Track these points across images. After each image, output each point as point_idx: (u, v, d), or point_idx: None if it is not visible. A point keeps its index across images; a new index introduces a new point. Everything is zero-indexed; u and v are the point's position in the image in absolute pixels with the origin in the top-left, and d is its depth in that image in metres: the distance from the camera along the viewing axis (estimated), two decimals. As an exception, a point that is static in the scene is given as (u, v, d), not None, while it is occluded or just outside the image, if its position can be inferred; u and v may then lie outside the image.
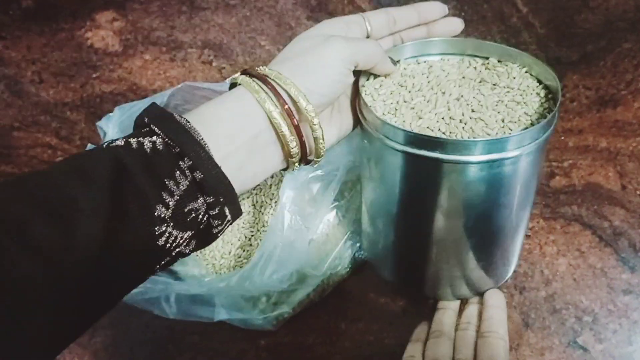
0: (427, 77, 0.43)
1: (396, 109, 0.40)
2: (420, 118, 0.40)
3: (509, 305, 0.50)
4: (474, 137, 0.38)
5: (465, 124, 0.39)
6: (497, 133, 0.38)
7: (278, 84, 0.32)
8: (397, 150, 0.37)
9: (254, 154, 0.32)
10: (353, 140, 0.47)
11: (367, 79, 0.43)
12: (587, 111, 0.55)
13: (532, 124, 0.38)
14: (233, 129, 0.31)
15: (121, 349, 0.53)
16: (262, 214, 0.51)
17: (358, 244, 0.53)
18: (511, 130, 0.38)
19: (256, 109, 0.31)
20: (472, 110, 0.39)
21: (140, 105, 0.52)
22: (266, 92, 0.32)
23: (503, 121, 0.38)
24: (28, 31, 0.74)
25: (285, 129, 0.32)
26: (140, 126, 0.29)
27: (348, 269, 0.53)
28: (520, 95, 0.40)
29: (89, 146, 0.50)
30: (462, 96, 0.40)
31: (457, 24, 0.43)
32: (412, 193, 0.41)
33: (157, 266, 0.29)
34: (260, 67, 0.34)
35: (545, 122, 0.36)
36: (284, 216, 0.43)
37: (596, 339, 0.48)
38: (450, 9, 0.62)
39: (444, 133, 0.39)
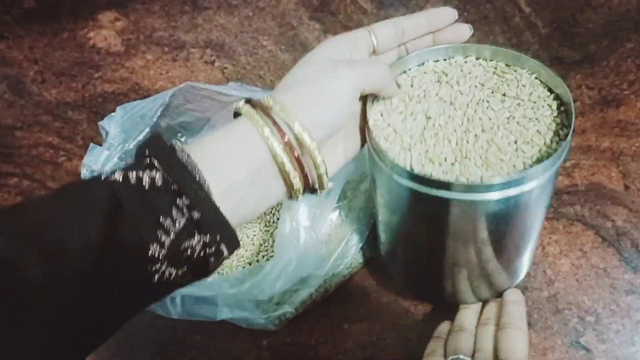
0: (437, 92, 0.42)
1: (402, 139, 0.40)
2: (427, 151, 0.39)
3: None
4: (485, 166, 0.37)
5: (476, 151, 0.38)
6: (510, 158, 0.37)
7: (282, 119, 0.31)
8: (404, 186, 0.37)
9: (255, 187, 0.31)
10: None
11: (372, 103, 0.42)
12: (589, 111, 0.55)
13: (545, 144, 0.37)
14: (234, 163, 0.30)
15: (123, 348, 0.53)
16: (265, 213, 0.51)
17: (360, 244, 0.53)
18: (524, 152, 0.37)
19: (259, 144, 0.31)
20: (483, 130, 0.39)
21: (142, 105, 0.52)
22: (270, 127, 0.31)
23: (516, 142, 0.38)
24: (30, 31, 0.74)
25: (288, 166, 0.31)
26: (141, 156, 0.29)
27: (350, 269, 0.53)
28: (532, 108, 0.40)
29: (86, 172, 0.50)
30: (473, 114, 0.40)
31: (464, 31, 0.41)
32: (421, 222, 0.41)
33: (153, 299, 0.29)
34: (265, 97, 0.33)
35: (561, 149, 0.35)
36: (300, 232, 0.44)
37: (599, 339, 0.47)
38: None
39: (453, 163, 0.38)
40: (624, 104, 0.55)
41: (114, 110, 0.53)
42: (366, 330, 0.52)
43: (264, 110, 0.31)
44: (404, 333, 0.51)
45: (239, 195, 0.30)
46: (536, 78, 0.42)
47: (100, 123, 0.52)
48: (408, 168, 0.37)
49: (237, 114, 0.33)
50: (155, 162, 0.28)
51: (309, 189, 0.34)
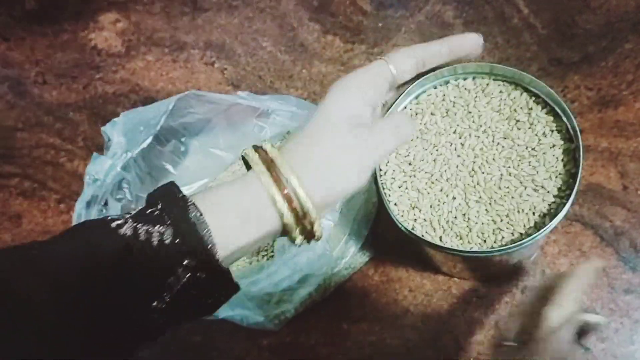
0: (446, 135, 0.43)
1: (408, 190, 0.43)
2: (437, 206, 0.42)
3: (510, 304, 0.50)
4: (494, 229, 0.41)
5: (486, 212, 0.41)
6: (520, 223, 0.40)
7: (291, 185, 0.30)
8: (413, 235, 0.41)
9: (260, 242, 0.31)
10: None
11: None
12: (588, 112, 0.55)
13: (553, 200, 0.40)
14: (244, 230, 0.30)
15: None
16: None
17: (360, 244, 0.53)
18: (532, 214, 0.41)
19: (271, 214, 0.30)
20: (496, 191, 0.41)
21: (144, 112, 0.52)
22: (280, 193, 0.30)
23: (525, 212, 0.40)
24: (31, 33, 0.74)
25: (296, 233, 0.31)
26: (152, 206, 0.28)
27: (350, 269, 0.53)
28: (537, 158, 0.41)
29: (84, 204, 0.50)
30: (483, 177, 0.42)
31: (477, 47, 0.38)
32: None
33: (152, 338, 0.30)
34: (275, 155, 0.31)
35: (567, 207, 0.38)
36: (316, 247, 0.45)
37: (598, 338, 0.48)
38: (450, 10, 0.63)
39: (464, 215, 0.41)
40: (622, 104, 0.55)
41: (114, 111, 0.53)
42: (366, 330, 0.52)
43: (273, 168, 0.30)
44: (404, 333, 0.51)
45: (243, 252, 0.30)
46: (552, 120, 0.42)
47: (102, 128, 0.52)
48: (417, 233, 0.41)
49: (245, 161, 0.32)
50: (166, 217, 0.28)
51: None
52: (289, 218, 0.30)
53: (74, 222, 0.47)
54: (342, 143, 0.32)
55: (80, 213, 0.47)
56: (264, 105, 0.51)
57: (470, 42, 0.37)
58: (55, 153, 0.68)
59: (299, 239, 0.31)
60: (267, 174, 0.30)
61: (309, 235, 0.31)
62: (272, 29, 0.68)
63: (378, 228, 0.55)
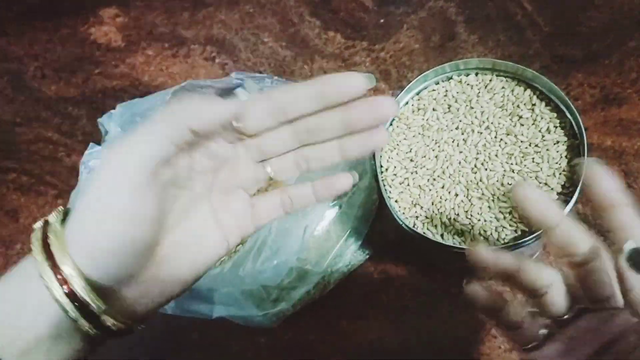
0: (448, 131, 0.43)
1: (411, 192, 0.42)
2: (438, 203, 0.41)
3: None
4: (496, 226, 0.40)
5: (489, 208, 0.41)
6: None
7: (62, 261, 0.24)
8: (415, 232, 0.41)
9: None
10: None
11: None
12: (591, 110, 0.55)
13: (557, 197, 0.40)
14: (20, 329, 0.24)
15: (121, 347, 0.52)
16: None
17: (360, 242, 0.52)
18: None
19: (44, 301, 0.24)
20: (499, 188, 0.41)
21: (142, 103, 0.52)
22: (51, 273, 0.24)
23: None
24: (31, 27, 0.74)
25: (75, 315, 0.24)
26: None
27: (349, 267, 0.52)
28: (540, 154, 0.40)
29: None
30: (485, 174, 0.41)
31: (358, 88, 0.27)
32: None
33: None
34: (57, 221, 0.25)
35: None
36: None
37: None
38: (453, 7, 0.62)
39: (466, 212, 0.41)
40: (626, 102, 0.54)
41: (114, 106, 0.53)
42: (365, 328, 0.52)
43: (46, 246, 0.24)
44: (403, 332, 0.51)
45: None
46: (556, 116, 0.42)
47: (99, 120, 0.52)
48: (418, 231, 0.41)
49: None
50: None
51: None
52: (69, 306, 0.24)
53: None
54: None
55: (74, 203, 0.47)
56: (260, 86, 0.50)
57: (346, 80, 0.27)
58: (54, 148, 0.67)
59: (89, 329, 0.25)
60: (40, 250, 0.24)
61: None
62: (273, 24, 0.67)
63: (378, 226, 0.54)
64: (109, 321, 0.25)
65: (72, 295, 0.23)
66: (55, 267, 0.23)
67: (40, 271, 0.24)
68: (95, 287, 0.24)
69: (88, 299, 0.24)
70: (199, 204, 0.28)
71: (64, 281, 0.23)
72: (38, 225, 0.25)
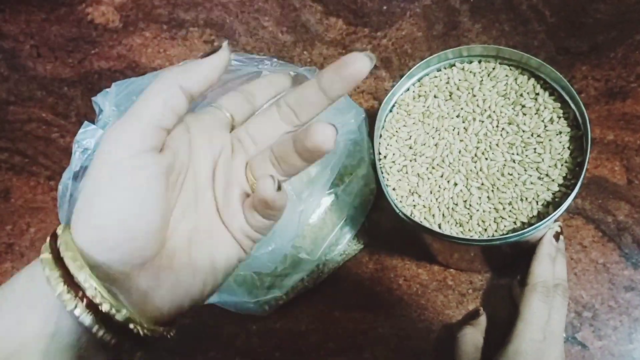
0: (449, 119, 0.42)
1: (409, 180, 0.41)
2: (437, 192, 0.40)
3: (507, 299, 0.49)
4: (495, 217, 0.39)
5: (488, 200, 0.40)
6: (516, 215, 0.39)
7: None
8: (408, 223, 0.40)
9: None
10: (354, 117, 0.46)
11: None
12: (595, 103, 0.54)
13: (558, 189, 0.39)
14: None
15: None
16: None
17: (355, 231, 0.51)
18: (536, 202, 0.39)
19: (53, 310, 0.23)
20: (499, 178, 0.40)
21: (138, 82, 0.51)
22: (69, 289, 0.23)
23: (528, 201, 0.39)
24: (28, 5, 0.72)
25: (91, 324, 0.23)
26: None
27: (344, 256, 0.51)
28: (542, 145, 0.39)
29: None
30: (486, 163, 0.40)
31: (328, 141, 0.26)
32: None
33: None
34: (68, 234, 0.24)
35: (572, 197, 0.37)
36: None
37: (595, 336, 0.46)
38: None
39: (465, 202, 0.40)
40: (630, 96, 0.53)
41: (109, 87, 0.52)
42: (358, 318, 0.51)
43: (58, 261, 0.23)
44: (396, 323, 0.50)
45: None
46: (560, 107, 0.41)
47: (93, 99, 0.51)
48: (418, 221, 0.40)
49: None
50: None
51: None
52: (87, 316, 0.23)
53: (60, 194, 0.46)
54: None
55: (66, 184, 0.46)
56: (259, 68, 0.49)
57: (278, 78, 0.32)
58: (47, 128, 0.66)
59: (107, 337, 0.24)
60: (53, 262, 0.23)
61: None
62: (273, 8, 0.66)
63: (374, 215, 0.53)
64: (135, 329, 0.24)
65: (93, 308, 0.22)
66: (72, 285, 0.22)
67: (58, 292, 0.22)
68: (110, 279, 0.23)
69: (108, 307, 0.23)
70: (204, 199, 0.28)
71: (83, 296, 0.22)
72: (45, 255, 0.24)
